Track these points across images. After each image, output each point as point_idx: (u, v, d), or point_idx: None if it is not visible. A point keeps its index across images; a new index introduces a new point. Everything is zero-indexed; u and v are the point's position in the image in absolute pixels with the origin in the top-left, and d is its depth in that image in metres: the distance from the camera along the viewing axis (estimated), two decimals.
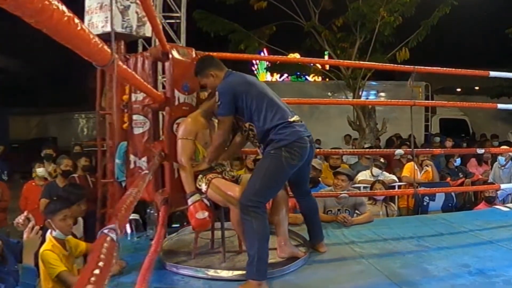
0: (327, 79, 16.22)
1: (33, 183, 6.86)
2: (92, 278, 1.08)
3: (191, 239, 4.21)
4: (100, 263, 1.18)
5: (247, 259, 3.20)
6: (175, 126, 3.88)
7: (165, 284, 3.23)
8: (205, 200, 3.54)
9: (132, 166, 4.42)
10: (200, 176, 3.62)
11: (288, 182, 3.84)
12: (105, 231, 1.43)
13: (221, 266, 3.59)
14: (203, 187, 3.56)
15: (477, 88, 23.22)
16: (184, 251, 3.99)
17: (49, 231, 3.53)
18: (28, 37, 12.02)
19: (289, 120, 3.45)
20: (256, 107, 3.46)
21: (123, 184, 4.72)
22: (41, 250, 3.26)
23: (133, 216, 4.50)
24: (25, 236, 3.12)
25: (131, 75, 2.67)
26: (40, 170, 6.85)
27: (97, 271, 1.12)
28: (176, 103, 3.92)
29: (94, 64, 1.53)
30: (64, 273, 3.26)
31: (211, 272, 3.40)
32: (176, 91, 3.91)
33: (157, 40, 5.19)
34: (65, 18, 1.03)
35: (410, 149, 6.45)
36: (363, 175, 7.72)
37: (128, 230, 4.47)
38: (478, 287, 3.30)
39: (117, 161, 4.73)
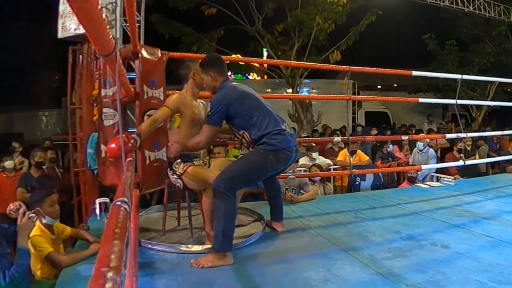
0: (266, 77, 16.28)
1: (4, 175, 6.69)
2: (116, 236, 1.09)
3: (158, 217, 4.22)
4: (117, 230, 1.19)
5: (214, 233, 3.23)
6: (145, 117, 3.85)
7: (143, 259, 3.19)
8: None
9: (103, 155, 4.35)
10: (178, 160, 3.63)
11: None
12: (118, 203, 1.43)
13: (190, 241, 3.60)
14: (179, 171, 3.58)
15: (395, 85, 23.85)
16: (154, 228, 3.97)
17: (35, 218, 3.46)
18: None
19: (281, 127, 3.44)
20: (250, 117, 3.42)
21: (95, 172, 4.66)
22: (31, 235, 3.20)
23: (103, 199, 4.44)
24: (18, 220, 3.06)
25: (121, 68, 2.65)
26: (8, 163, 6.70)
27: (117, 230, 1.14)
28: (145, 97, 3.87)
29: (97, 53, 1.52)
30: (52, 253, 3.20)
31: (183, 248, 3.40)
32: (145, 87, 3.86)
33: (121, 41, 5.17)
34: (99, 7, 1.04)
35: (346, 137, 6.58)
36: (303, 160, 7.85)
37: (98, 212, 4.40)
38: (410, 249, 3.43)
39: (89, 150, 4.64)
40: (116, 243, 1.04)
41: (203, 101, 3.96)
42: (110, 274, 0.88)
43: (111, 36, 1.39)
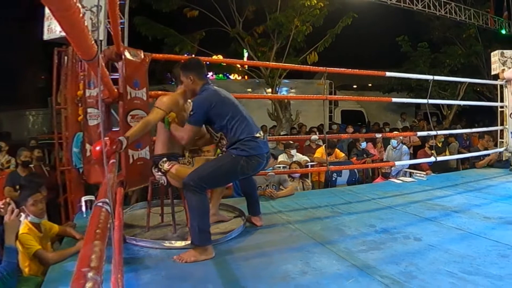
0: (246, 77, 16.27)
1: None
2: (97, 237, 1.09)
3: (142, 214, 4.20)
4: (98, 230, 1.18)
5: (190, 228, 3.23)
6: (129, 117, 3.82)
7: (128, 255, 3.17)
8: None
9: (88, 154, 4.32)
10: (164, 159, 3.62)
11: None
12: (99, 204, 1.41)
13: (174, 237, 3.58)
14: (164, 168, 3.59)
15: (370, 85, 24.01)
16: (138, 224, 3.95)
17: (23, 216, 3.42)
18: None
19: (255, 135, 3.43)
20: (227, 121, 3.40)
21: (81, 171, 4.62)
22: (19, 233, 3.17)
23: (89, 197, 4.40)
24: (6, 218, 3.02)
25: (105, 71, 2.63)
26: None
27: (98, 231, 1.13)
28: (129, 97, 3.84)
29: (80, 57, 1.50)
30: (40, 251, 3.18)
31: (167, 244, 3.39)
32: (128, 87, 3.83)
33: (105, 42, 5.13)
34: (80, 15, 1.03)
35: (323, 135, 6.62)
36: (282, 157, 7.87)
37: (83, 209, 4.36)
38: (384, 242, 3.47)
39: (75, 149, 4.60)
40: (97, 243, 1.04)
41: (190, 101, 3.90)
42: (90, 274, 0.88)
43: (93, 41, 1.37)
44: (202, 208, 3.21)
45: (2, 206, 3.25)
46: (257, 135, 3.47)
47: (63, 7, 0.90)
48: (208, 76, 3.78)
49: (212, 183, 3.49)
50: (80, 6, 0.98)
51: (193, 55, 13.22)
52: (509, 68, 7.72)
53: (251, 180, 4.03)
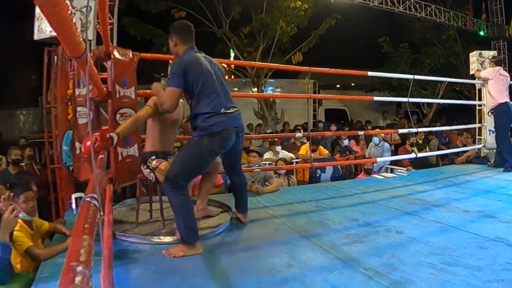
0: (233, 77, 16.25)
1: None
2: (85, 231, 1.07)
3: (131, 210, 4.17)
4: (86, 225, 1.17)
5: (177, 226, 3.19)
6: (117, 115, 3.79)
7: (118, 250, 3.13)
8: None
9: (78, 151, 4.28)
10: (153, 157, 3.60)
11: (222, 162, 3.79)
12: (87, 199, 1.39)
13: (162, 233, 3.56)
14: (152, 165, 3.58)
15: (353, 84, 24.11)
16: (127, 221, 3.91)
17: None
18: None
19: (221, 111, 3.19)
20: (198, 89, 3.19)
21: (71, 168, 4.58)
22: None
23: (79, 194, 4.37)
24: (5, 216, 2.98)
25: (93, 69, 2.61)
26: None
27: (87, 225, 1.12)
28: (117, 96, 3.82)
29: (69, 54, 1.48)
30: (31, 248, 3.16)
31: (156, 239, 3.37)
32: (117, 86, 3.81)
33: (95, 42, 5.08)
34: (69, 12, 1.01)
35: (307, 133, 6.64)
36: (268, 154, 7.88)
37: (74, 206, 4.33)
38: (366, 235, 3.49)
39: (64, 148, 4.56)
40: (85, 237, 1.02)
41: (181, 100, 3.84)
42: (79, 268, 0.87)
43: (81, 39, 1.35)
44: (184, 208, 3.13)
45: (3, 205, 3.24)
46: (224, 111, 3.21)
47: (51, 3, 0.89)
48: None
49: (187, 177, 3.26)
50: (68, 3, 0.96)
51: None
52: (486, 68, 7.80)
53: (241, 178, 3.87)
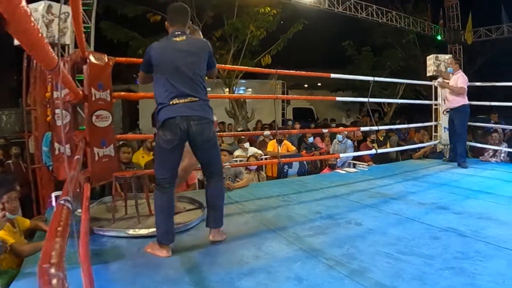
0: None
1: None
2: (58, 234, 1.09)
3: (107, 207, 4.15)
4: (59, 228, 1.18)
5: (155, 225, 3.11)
6: (94, 117, 3.77)
7: (96, 246, 3.12)
8: None
9: (57, 152, 4.23)
10: None
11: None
12: (61, 202, 1.40)
13: (138, 227, 3.56)
14: None
15: (319, 84, 24.32)
16: (104, 217, 3.89)
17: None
18: None
19: (170, 103, 2.96)
20: (157, 77, 3.06)
21: (50, 168, 4.53)
22: None
23: (58, 193, 4.31)
24: None
25: (67, 77, 2.59)
26: None
27: (59, 228, 1.13)
28: (93, 99, 3.79)
29: (43, 68, 1.49)
30: (14, 245, 3.12)
31: (131, 232, 3.37)
32: (92, 89, 3.77)
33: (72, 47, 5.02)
34: (40, 35, 1.02)
35: (275, 130, 6.69)
36: (238, 151, 7.94)
37: (54, 204, 4.28)
38: (328, 227, 3.56)
39: (44, 148, 4.50)
40: (58, 240, 1.03)
41: None
42: (52, 270, 0.88)
43: (53, 54, 1.36)
44: (165, 211, 3.02)
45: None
46: (174, 101, 2.97)
47: (21, 29, 0.91)
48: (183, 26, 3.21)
49: (163, 170, 3.04)
50: (38, 26, 0.98)
51: None
52: (442, 70, 7.96)
53: (213, 189, 3.30)
